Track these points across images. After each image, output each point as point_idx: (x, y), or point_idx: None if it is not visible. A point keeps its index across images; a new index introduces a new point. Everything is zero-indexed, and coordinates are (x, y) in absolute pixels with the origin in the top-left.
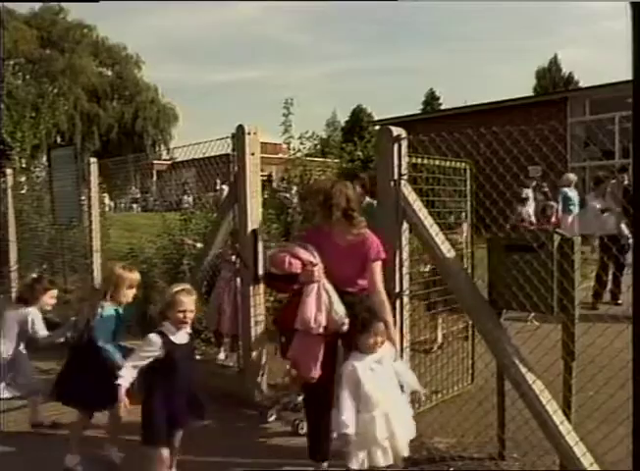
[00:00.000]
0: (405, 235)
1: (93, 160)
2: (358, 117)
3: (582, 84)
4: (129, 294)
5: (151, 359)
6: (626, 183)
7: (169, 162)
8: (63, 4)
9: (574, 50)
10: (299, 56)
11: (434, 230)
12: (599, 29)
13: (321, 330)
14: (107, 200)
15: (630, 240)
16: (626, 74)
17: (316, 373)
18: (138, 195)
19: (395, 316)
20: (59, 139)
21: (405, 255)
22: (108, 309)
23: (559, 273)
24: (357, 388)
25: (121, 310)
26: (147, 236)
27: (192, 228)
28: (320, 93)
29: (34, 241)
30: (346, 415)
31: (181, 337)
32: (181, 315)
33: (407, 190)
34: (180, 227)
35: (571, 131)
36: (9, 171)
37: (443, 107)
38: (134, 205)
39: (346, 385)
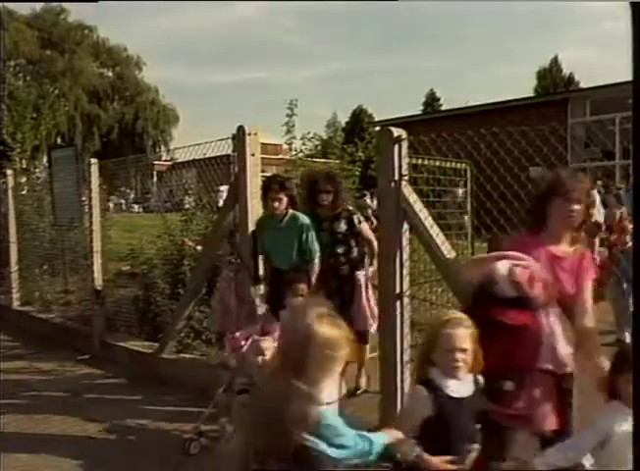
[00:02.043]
0: (406, 236)
1: (94, 161)
2: (359, 118)
3: (583, 85)
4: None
5: (419, 420)
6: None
7: (169, 163)
8: (63, 4)
9: (575, 51)
10: (299, 57)
11: (434, 230)
12: (600, 30)
13: (570, 368)
14: (111, 203)
15: None
16: (627, 74)
17: (554, 422)
18: (132, 196)
19: (395, 317)
20: (59, 140)
21: (406, 256)
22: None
23: None
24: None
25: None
26: (148, 237)
27: (193, 229)
28: (320, 94)
29: (35, 242)
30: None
31: (459, 387)
32: (450, 356)
33: (408, 191)
34: (181, 227)
35: (572, 132)
36: (9, 172)
37: (443, 108)
38: (136, 206)
39: (595, 448)
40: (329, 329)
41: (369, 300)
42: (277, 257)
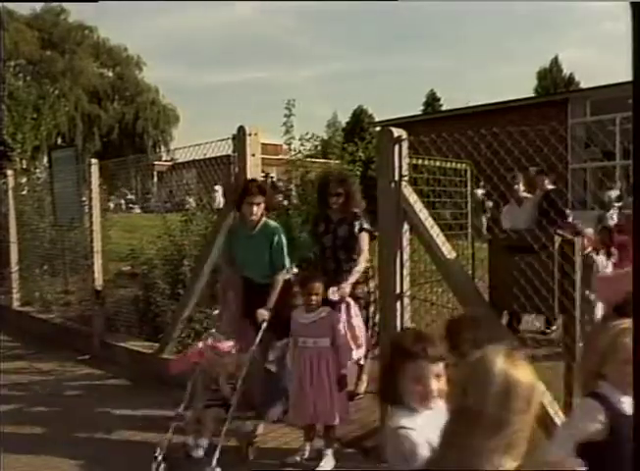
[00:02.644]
0: (406, 237)
1: (94, 161)
2: (359, 118)
3: (583, 85)
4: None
5: (585, 437)
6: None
7: (169, 163)
8: (63, 4)
9: (575, 51)
10: (299, 57)
11: (435, 231)
12: (600, 30)
13: None
14: (111, 203)
15: None
16: (627, 74)
17: None
18: (129, 196)
19: (395, 318)
20: (60, 140)
21: (406, 256)
22: None
23: (559, 274)
24: None
25: None
26: (148, 238)
27: (193, 229)
28: (320, 94)
29: (35, 242)
30: None
31: (626, 402)
32: (628, 368)
33: (408, 191)
34: (181, 228)
35: (572, 132)
36: (10, 172)
37: (443, 108)
38: (135, 206)
39: None
40: (525, 373)
41: (352, 327)
42: (249, 268)
